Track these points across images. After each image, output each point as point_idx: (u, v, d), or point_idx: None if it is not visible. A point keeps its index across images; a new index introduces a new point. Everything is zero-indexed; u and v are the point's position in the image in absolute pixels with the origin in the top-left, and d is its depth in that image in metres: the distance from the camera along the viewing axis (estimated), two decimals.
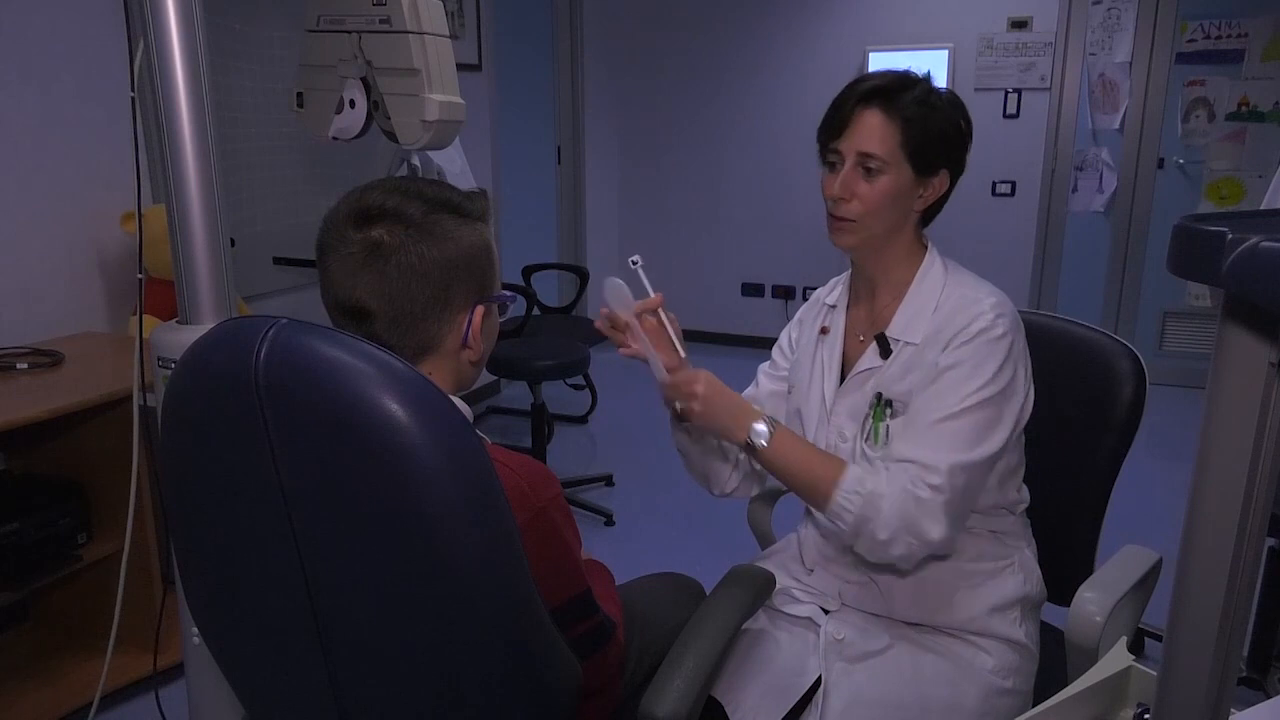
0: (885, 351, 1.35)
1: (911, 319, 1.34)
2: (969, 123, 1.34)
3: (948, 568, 1.35)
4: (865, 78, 1.32)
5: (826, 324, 1.47)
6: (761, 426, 1.28)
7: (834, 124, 1.32)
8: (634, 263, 1.38)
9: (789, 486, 1.32)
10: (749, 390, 1.58)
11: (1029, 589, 1.40)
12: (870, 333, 1.39)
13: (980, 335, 1.27)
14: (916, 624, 1.37)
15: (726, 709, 1.28)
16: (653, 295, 1.37)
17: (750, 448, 1.29)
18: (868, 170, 1.29)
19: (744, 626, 1.39)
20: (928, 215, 1.38)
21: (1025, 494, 1.43)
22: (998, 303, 1.30)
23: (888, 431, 1.32)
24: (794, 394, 1.49)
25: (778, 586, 1.45)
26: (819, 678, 1.30)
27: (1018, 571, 1.39)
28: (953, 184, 1.35)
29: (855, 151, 1.29)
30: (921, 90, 1.30)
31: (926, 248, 1.39)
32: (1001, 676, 1.33)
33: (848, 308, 1.45)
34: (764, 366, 1.59)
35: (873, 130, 1.28)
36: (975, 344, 1.27)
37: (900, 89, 1.29)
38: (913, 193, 1.32)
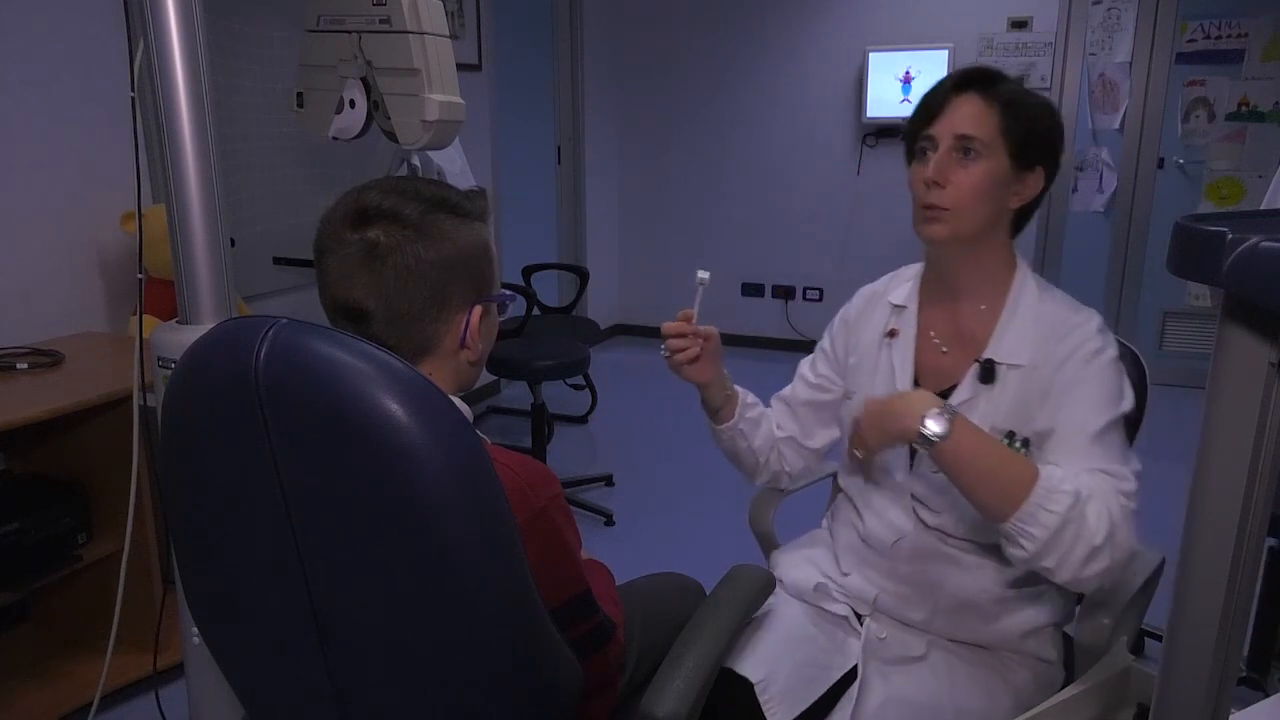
0: (989, 377, 1.27)
1: (1016, 339, 1.27)
2: (1062, 126, 1.30)
3: (990, 592, 1.32)
4: (959, 71, 1.30)
5: (895, 326, 1.38)
6: (937, 415, 1.12)
7: (929, 109, 1.27)
8: (701, 281, 1.33)
9: (966, 490, 1.14)
10: (785, 390, 1.55)
11: (1063, 612, 1.38)
12: (958, 348, 1.32)
13: (1097, 356, 1.23)
14: (952, 639, 1.35)
15: (755, 685, 1.24)
16: (693, 311, 1.36)
17: (925, 442, 1.13)
18: (965, 153, 1.23)
19: (779, 610, 1.37)
20: (1019, 221, 1.32)
21: None
22: (1101, 324, 1.27)
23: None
24: (854, 401, 1.41)
25: (815, 582, 1.42)
26: (848, 672, 1.28)
27: (1056, 596, 1.35)
28: (1047, 185, 1.30)
29: (953, 134, 1.24)
30: (1017, 82, 1.28)
31: (1017, 259, 1.33)
32: (1032, 693, 1.32)
33: (919, 311, 1.37)
34: (804, 370, 1.53)
35: (972, 112, 1.24)
36: (1095, 364, 1.22)
37: (999, 78, 1.27)
38: (1009, 185, 1.25)
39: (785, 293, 5.40)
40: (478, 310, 1.08)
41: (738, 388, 1.47)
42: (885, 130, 5.00)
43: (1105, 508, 1.11)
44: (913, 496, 1.36)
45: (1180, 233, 0.51)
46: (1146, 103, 4.61)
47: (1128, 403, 1.23)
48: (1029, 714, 1.03)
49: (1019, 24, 4.70)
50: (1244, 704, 0.76)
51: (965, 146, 1.23)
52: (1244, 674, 2.14)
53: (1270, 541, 2.08)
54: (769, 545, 1.68)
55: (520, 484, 0.98)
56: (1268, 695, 2.07)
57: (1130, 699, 0.98)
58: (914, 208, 1.28)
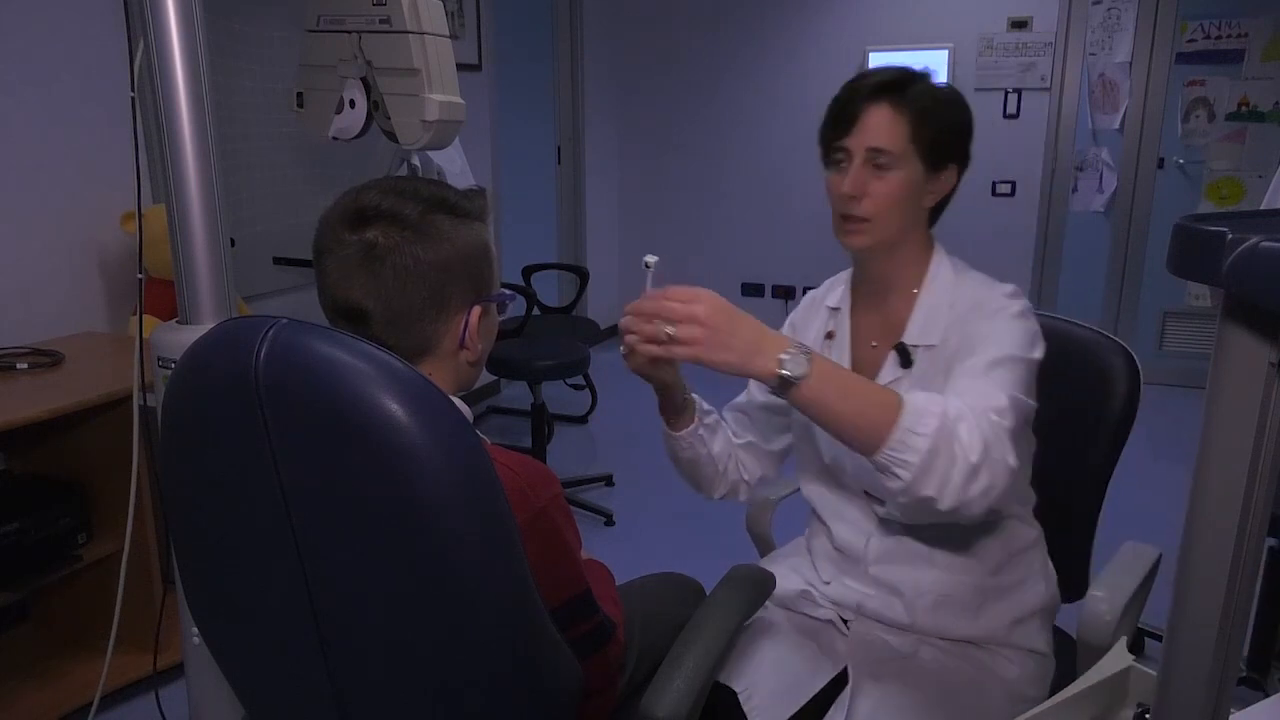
0: (906, 361, 1.30)
1: (927, 321, 1.31)
2: (971, 116, 1.32)
3: (970, 582, 1.33)
4: (868, 74, 1.30)
5: (832, 328, 1.42)
6: (793, 354, 1.04)
7: (840, 120, 1.28)
8: (648, 265, 1.28)
9: (833, 428, 1.08)
10: (739, 399, 1.54)
11: (1049, 599, 1.38)
12: (885, 339, 1.35)
13: (1001, 311, 1.24)
14: (940, 636, 1.35)
15: (740, 696, 1.26)
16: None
17: (783, 383, 1.05)
18: (878, 166, 1.26)
19: (763, 620, 1.38)
20: (935, 213, 1.35)
21: (1033, 495, 1.42)
22: (1012, 291, 1.29)
23: None
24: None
25: (797, 589, 1.43)
26: (835, 678, 1.29)
27: (1039, 582, 1.37)
28: (959, 178, 1.33)
29: (865, 148, 1.26)
30: (926, 84, 1.29)
31: (934, 247, 1.36)
32: (1024, 685, 1.32)
33: (852, 311, 1.41)
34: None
35: (883, 125, 1.25)
36: (998, 318, 1.24)
37: (907, 82, 1.27)
38: (924, 188, 1.29)
39: (785, 293, 5.40)
40: (477, 310, 1.07)
41: (693, 395, 1.44)
42: None
43: (976, 425, 1.07)
44: (866, 494, 1.37)
45: (1180, 233, 0.51)
46: (1146, 103, 4.61)
47: (1030, 350, 1.21)
48: (1029, 714, 1.03)
49: (1019, 24, 4.70)
50: (1244, 704, 0.75)
51: (877, 162, 1.26)
52: (1244, 674, 2.14)
53: (1270, 541, 2.08)
54: (766, 548, 1.68)
55: (520, 484, 0.98)
56: (1268, 695, 2.07)
57: (1130, 699, 0.98)
58: (833, 215, 1.31)
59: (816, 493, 1.45)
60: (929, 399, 1.08)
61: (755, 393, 1.52)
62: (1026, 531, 1.38)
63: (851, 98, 1.28)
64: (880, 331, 1.37)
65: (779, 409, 1.49)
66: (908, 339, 1.31)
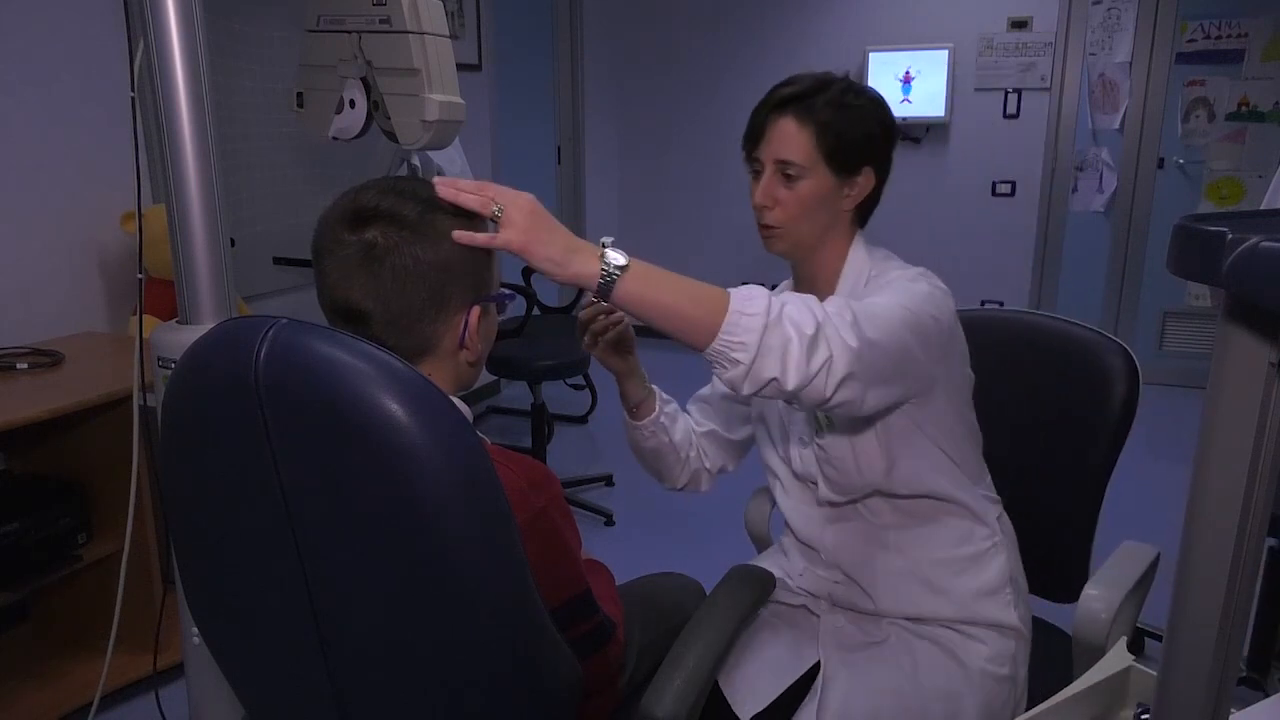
0: None
1: None
2: (891, 120, 1.34)
3: (926, 559, 1.36)
4: (782, 84, 1.33)
5: None
6: (611, 248, 1.05)
7: (751, 132, 1.34)
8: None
9: (663, 323, 1.08)
10: (703, 390, 1.58)
11: (1014, 568, 1.40)
12: None
13: (894, 281, 1.27)
14: (909, 618, 1.37)
15: (723, 688, 1.30)
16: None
17: (606, 284, 1.05)
18: (787, 177, 1.30)
19: None
20: (863, 212, 1.38)
21: (984, 470, 1.44)
22: (918, 274, 1.30)
23: (829, 419, 1.32)
24: (756, 400, 1.47)
25: (776, 578, 1.46)
26: (816, 664, 1.32)
27: (1000, 552, 1.38)
28: (881, 181, 1.35)
29: (773, 159, 1.31)
30: (837, 91, 1.30)
31: (853, 244, 1.38)
32: (997, 664, 1.34)
33: None
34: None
35: (787, 137, 1.29)
36: (889, 286, 1.26)
37: (814, 93, 1.29)
38: (837, 194, 1.32)
39: None
40: (476, 310, 1.07)
41: (654, 386, 1.49)
42: None
43: (804, 305, 1.09)
44: (809, 479, 1.41)
45: (1180, 233, 0.51)
46: (1146, 103, 4.61)
47: (917, 302, 1.21)
48: (1029, 714, 1.03)
49: (1019, 24, 4.70)
50: (1244, 704, 0.76)
51: (786, 172, 1.30)
52: (1244, 674, 2.14)
53: (1270, 541, 2.08)
54: (764, 547, 1.68)
55: (520, 484, 0.98)
56: (1268, 695, 2.07)
57: (1130, 699, 0.98)
58: (756, 222, 1.36)
59: (776, 486, 1.49)
60: (751, 288, 1.09)
61: (718, 384, 1.55)
62: (981, 505, 1.40)
63: (760, 109, 1.33)
64: None
65: (741, 399, 1.52)
66: None
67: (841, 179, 1.31)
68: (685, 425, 1.53)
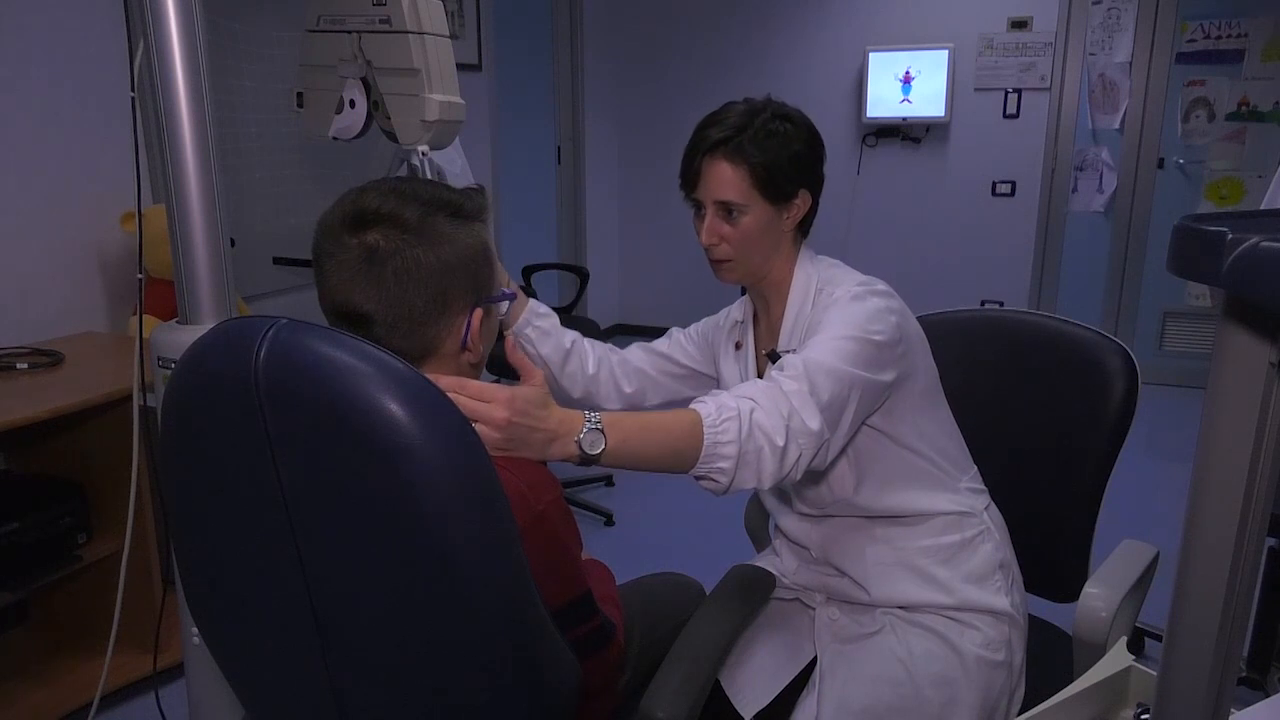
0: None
1: (794, 326, 1.39)
2: (816, 137, 1.39)
3: (912, 548, 1.38)
4: (708, 122, 1.37)
5: (739, 339, 1.52)
6: (588, 432, 1.06)
7: (687, 175, 1.38)
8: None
9: (649, 469, 1.13)
10: (660, 343, 1.57)
11: (1004, 555, 1.41)
12: (770, 346, 1.43)
13: (837, 301, 1.31)
14: (902, 607, 1.38)
15: (725, 687, 1.32)
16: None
17: (586, 459, 1.08)
18: (729, 213, 1.34)
19: None
20: (805, 227, 1.42)
21: (968, 460, 1.46)
22: (863, 280, 1.35)
23: None
24: None
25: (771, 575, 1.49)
26: (814, 658, 1.35)
27: (988, 539, 1.40)
28: (817, 197, 1.40)
29: (712, 201, 1.35)
30: (763, 122, 1.33)
31: (799, 257, 1.42)
32: (991, 650, 1.35)
33: (754, 323, 1.50)
34: (677, 335, 1.58)
35: (723, 180, 1.33)
36: (833, 308, 1.30)
37: (741, 130, 1.32)
38: (777, 220, 1.36)
39: None
40: (479, 313, 1.07)
41: (535, 302, 1.50)
42: (885, 130, 5.00)
43: (775, 408, 1.14)
44: (784, 491, 1.45)
45: (1180, 233, 0.51)
46: (1146, 103, 4.61)
47: (864, 329, 1.25)
48: (1029, 714, 1.03)
49: (1019, 24, 4.70)
50: (1244, 704, 0.76)
51: (726, 209, 1.35)
52: (1244, 674, 2.14)
53: (1270, 541, 2.08)
54: (763, 547, 1.69)
55: (520, 487, 0.98)
56: (1268, 695, 2.07)
57: (1130, 699, 0.98)
58: (707, 258, 1.40)
59: (760, 492, 1.53)
60: (720, 404, 1.13)
61: (667, 345, 1.56)
62: (966, 495, 1.41)
63: (693, 154, 1.37)
64: (768, 340, 1.46)
65: (679, 376, 1.56)
66: (780, 345, 1.40)
67: (779, 206, 1.36)
68: (560, 343, 1.49)
